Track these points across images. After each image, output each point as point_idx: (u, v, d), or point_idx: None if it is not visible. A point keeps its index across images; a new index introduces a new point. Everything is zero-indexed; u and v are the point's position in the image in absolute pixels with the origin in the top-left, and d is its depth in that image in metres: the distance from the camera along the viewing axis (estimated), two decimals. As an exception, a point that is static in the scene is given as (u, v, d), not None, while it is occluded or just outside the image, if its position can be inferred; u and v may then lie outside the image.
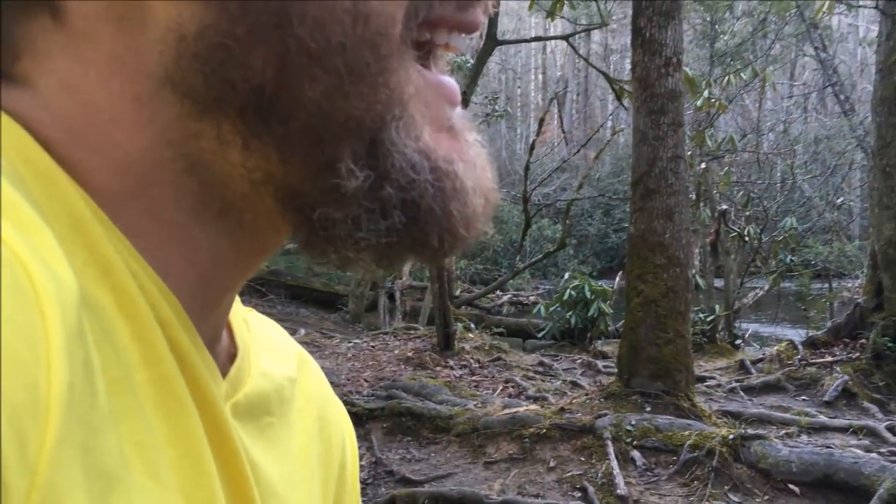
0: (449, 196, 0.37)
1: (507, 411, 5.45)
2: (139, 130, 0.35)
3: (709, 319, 9.99)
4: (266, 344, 0.53)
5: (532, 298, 15.74)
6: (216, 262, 0.39)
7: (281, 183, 0.36)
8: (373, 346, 8.40)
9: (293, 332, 9.39)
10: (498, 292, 15.72)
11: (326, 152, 0.35)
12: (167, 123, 0.35)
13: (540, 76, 37.47)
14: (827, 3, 7.94)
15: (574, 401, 5.86)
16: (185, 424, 0.35)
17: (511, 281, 15.72)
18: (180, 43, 0.33)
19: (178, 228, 0.37)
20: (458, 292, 15.02)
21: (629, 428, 5.02)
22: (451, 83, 0.40)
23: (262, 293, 13.06)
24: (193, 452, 0.35)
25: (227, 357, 0.46)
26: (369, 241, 0.37)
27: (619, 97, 8.67)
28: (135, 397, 0.32)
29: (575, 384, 7.41)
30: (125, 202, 0.35)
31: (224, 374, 0.43)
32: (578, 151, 17.22)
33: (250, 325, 0.53)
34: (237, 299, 0.51)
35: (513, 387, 7.00)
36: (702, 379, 7.55)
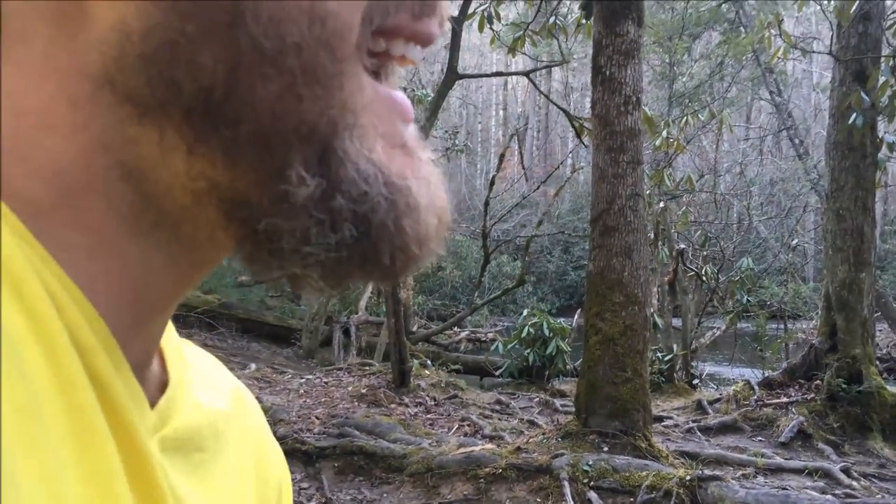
0: (402, 212, 0.36)
1: (462, 450, 5.39)
2: (72, 135, 0.33)
3: (666, 359, 10.05)
4: (201, 376, 0.51)
5: (490, 335, 15.71)
6: (149, 277, 0.37)
7: (226, 192, 0.35)
8: (326, 383, 8.30)
9: (243, 367, 9.25)
10: (456, 329, 15.68)
11: (277, 158, 0.34)
12: (105, 128, 0.33)
13: (501, 112, 37.82)
14: (782, 48, 8.13)
15: (531, 440, 5.82)
16: (101, 459, 0.32)
17: (469, 317, 15.69)
18: (124, 42, 0.32)
19: (108, 240, 0.35)
20: (415, 328, 14.96)
21: (586, 468, 4.99)
22: (404, 99, 0.39)
23: (212, 326, 12.85)
24: (108, 490, 0.32)
25: (157, 386, 0.44)
26: (317, 255, 0.35)
27: (578, 134, 8.76)
28: (43, 428, 0.29)
29: (532, 423, 7.38)
30: (51, 212, 0.34)
31: (153, 403, 0.41)
32: (538, 188, 17.33)
33: (185, 355, 0.51)
34: (171, 327, 0.49)
35: (469, 425, 6.94)
36: (659, 419, 7.57)
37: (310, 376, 8.77)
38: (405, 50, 0.39)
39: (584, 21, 8.26)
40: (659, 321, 11.04)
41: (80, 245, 0.34)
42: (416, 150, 0.39)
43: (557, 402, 8.62)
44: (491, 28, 8.73)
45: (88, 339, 0.33)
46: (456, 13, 7.76)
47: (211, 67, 0.32)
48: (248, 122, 0.33)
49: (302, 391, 7.88)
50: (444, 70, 8.04)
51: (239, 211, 0.35)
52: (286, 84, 0.33)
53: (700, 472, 4.97)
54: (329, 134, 0.34)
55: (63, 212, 0.34)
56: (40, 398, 0.29)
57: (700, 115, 12.17)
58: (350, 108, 0.35)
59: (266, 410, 6.49)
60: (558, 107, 9.60)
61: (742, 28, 16.85)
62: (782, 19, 8.14)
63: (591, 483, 4.92)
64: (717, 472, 5.12)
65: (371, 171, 0.35)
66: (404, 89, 12.81)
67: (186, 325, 12.56)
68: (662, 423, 7.49)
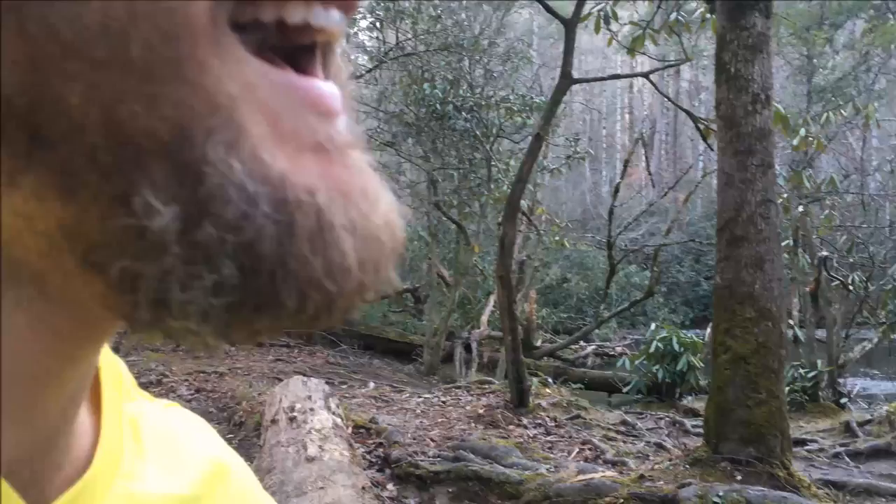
0: (304, 237, 0.29)
1: (581, 478, 5.23)
2: None
3: (810, 375, 9.61)
4: (163, 452, 0.47)
5: (618, 349, 15.50)
6: (12, 350, 0.31)
7: (74, 233, 0.28)
8: (443, 402, 8.28)
9: (363, 386, 9.35)
10: (582, 343, 15.52)
11: (116, 182, 0.27)
12: None
13: (626, 116, 37.28)
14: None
15: (656, 466, 5.60)
16: None
17: (596, 331, 15.52)
18: None
19: None
20: (539, 342, 14.86)
21: (716, 500, 4.74)
22: (315, 86, 0.31)
23: (334, 343, 13.14)
24: None
25: (73, 474, 0.39)
26: (197, 304, 0.28)
27: (704, 137, 8.43)
28: None
29: (660, 446, 7.16)
30: None
31: (56, 495, 0.37)
32: (667, 194, 17.00)
33: (143, 427, 0.47)
34: (127, 389, 0.47)
35: (590, 449, 6.78)
36: (801, 442, 7.23)
37: (428, 395, 8.78)
38: (308, 15, 0.31)
39: (708, 16, 7.96)
40: (800, 334, 10.58)
41: None
42: (341, 150, 0.31)
43: (688, 423, 8.36)
44: (608, 29, 8.53)
45: None
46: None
47: (4, 68, 0.26)
48: (69, 138, 0.27)
49: (419, 411, 7.89)
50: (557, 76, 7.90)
51: (91, 255, 0.28)
52: (100, 81, 0.26)
53: (846, 505, 4.64)
54: (181, 143, 0.27)
55: None
56: None
57: (843, 111, 11.58)
58: (209, 104, 0.27)
59: (381, 432, 6.51)
60: (681, 108, 9.30)
61: (890, 14, 15.99)
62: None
63: (722, 516, 4.66)
64: (867, 505, 4.77)
65: (251, 185, 0.28)
66: (523, 96, 12.84)
67: (310, 342, 12.89)
68: (805, 448, 7.16)
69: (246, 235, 0.28)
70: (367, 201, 0.32)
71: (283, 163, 0.29)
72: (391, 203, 0.33)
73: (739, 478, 5.12)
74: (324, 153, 0.31)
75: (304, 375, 7.12)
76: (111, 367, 0.45)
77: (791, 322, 10.55)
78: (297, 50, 0.32)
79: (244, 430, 6.48)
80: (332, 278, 0.30)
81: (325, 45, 0.33)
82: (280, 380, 7.41)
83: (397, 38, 13.11)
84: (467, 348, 12.97)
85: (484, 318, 13.53)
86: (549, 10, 7.75)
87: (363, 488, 4.66)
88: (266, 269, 0.28)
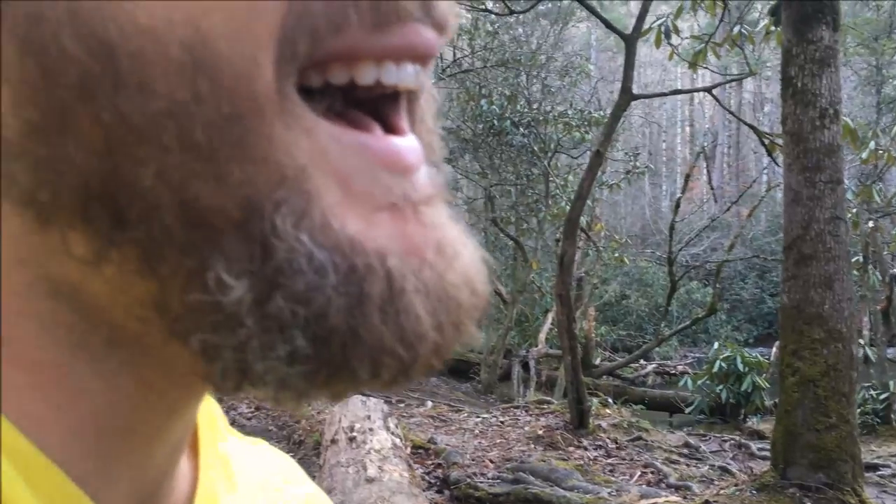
0: (374, 306, 0.29)
1: (644, 502, 5.18)
2: None
3: (882, 397, 9.39)
4: (254, 490, 0.48)
5: (680, 368, 15.31)
6: (119, 407, 0.33)
7: (156, 303, 0.29)
8: (502, 422, 8.26)
9: (421, 405, 9.38)
10: (642, 361, 15.35)
11: (191, 259, 0.28)
12: (11, 240, 0.30)
13: (687, 129, 36.85)
14: None
15: (721, 492, 5.53)
16: None
17: (656, 349, 15.33)
18: None
19: (52, 371, 0.31)
20: (598, 361, 14.75)
21: (785, 527, 4.64)
22: (390, 144, 0.31)
23: (391, 360, 13.18)
24: None
25: None
26: (275, 373, 0.29)
27: (769, 152, 8.31)
28: None
29: (724, 470, 7.04)
30: None
31: None
32: (730, 209, 16.74)
33: (235, 466, 0.47)
34: (220, 429, 0.48)
35: (652, 472, 6.69)
36: (873, 467, 7.05)
37: (486, 415, 8.77)
38: (380, 74, 0.31)
39: (773, 28, 7.85)
40: (871, 353, 10.33)
41: (19, 383, 0.30)
42: (417, 207, 0.31)
43: (754, 446, 8.20)
44: (669, 43, 8.47)
45: (22, 502, 0.29)
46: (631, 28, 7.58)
47: (82, 154, 0.27)
48: (146, 217, 0.28)
49: (477, 431, 7.89)
50: (619, 91, 7.87)
51: (175, 326, 0.29)
52: (172, 164, 0.27)
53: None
54: (250, 217, 0.28)
55: None
56: None
57: (914, 122, 11.32)
58: (276, 177, 0.28)
59: (440, 452, 6.53)
60: (745, 123, 9.18)
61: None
62: None
63: (792, 544, 4.57)
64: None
65: (321, 255, 0.28)
66: (581, 111, 12.80)
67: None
68: (877, 473, 6.99)
69: (316, 307, 0.28)
70: (443, 259, 0.31)
71: (354, 226, 0.29)
72: (472, 256, 0.33)
73: (809, 504, 5.04)
74: (397, 212, 0.31)
75: (363, 394, 7.17)
76: (206, 408, 0.46)
77: (861, 341, 10.31)
78: (381, 97, 0.32)
79: (303, 449, 6.55)
80: (406, 345, 0.30)
81: (409, 91, 0.33)
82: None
83: (454, 54, 13.18)
84: (525, 366, 12.92)
85: (542, 336, 13.47)
86: (608, 25, 7.74)
87: (423, 510, 4.68)
88: (337, 339, 0.29)
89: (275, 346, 0.29)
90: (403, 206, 0.31)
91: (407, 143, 0.32)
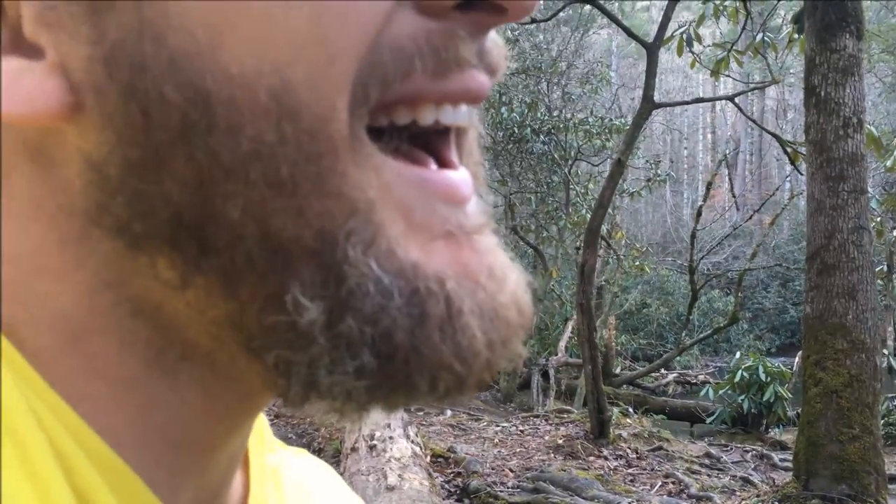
0: (434, 325, 0.32)
1: (665, 512, 5.16)
2: (68, 276, 0.33)
3: (906, 408, 9.25)
4: (300, 499, 0.50)
5: (701, 377, 15.20)
6: (188, 418, 0.36)
7: (234, 322, 0.32)
8: (521, 431, 8.26)
9: (440, 413, 9.38)
10: (663, 370, 15.27)
11: (270, 283, 0.31)
12: (101, 264, 0.33)
13: (709, 136, 36.65)
14: None
15: (743, 502, 5.51)
16: None
17: (677, 358, 15.26)
18: (94, 172, 0.31)
19: (130, 384, 0.34)
20: (618, 370, 14.70)
21: (807, 539, 4.63)
22: (446, 178, 0.35)
23: (410, 369, 13.17)
24: None
25: None
26: (342, 386, 0.32)
27: (792, 161, 8.29)
28: None
29: (746, 481, 6.99)
30: (60, 360, 0.33)
31: None
32: (752, 217, 16.63)
33: (283, 476, 0.50)
34: (263, 448, 0.49)
35: (673, 482, 6.67)
36: (897, 479, 6.93)
37: (505, 424, 8.77)
38: (439, 115, 0.34)
39: (796, 36, 7.84)
40: (895, 364, 10.23)
41: (100, 394, 0.33)
42: (470, 235, 0.34)
43: (776, 457, 8.14)
44: (691, 51, 8.47)
45: (103, 503, 0.32)
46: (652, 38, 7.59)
47: (176, 190, 0.30)
48: (230, 246, 0.31)
49: (497, 440, 7.88)
50: (640, 99, 7.88)
51: (251, 343, 0.32)
52: (258, 199, 0.30)
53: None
54: (324, 248, 0.31)
55: (73, 359, 0.33)
56: None
57: (940, 130, 11.24)
58: (349, 210, 0.31)
59: (460, 461, 6.54)
60: (767, 131, 9.15)
61: None
62: None
63: (814, 556, 4.56)
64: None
65: (387, 280, 0.31)
66: (602, 118, 12.78)
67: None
68: (902, 485, 6.84)
69: (382, 326, 0.31)
70: (495, 282, 0.34)
71: (415, 253, 0.32)
72: (518, 279, 0.36)
73: (832, 516, 5.02)
74: (453, 239, 0.34)
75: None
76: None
77: (885, 351, 10.23)
78: (434, 132, 0.35)
79: (323, 457, 6.57)
80: (462, 361, 0.32)
81: (458, 129, 0.36)
82: (358, 406, 7.49)
83: (474, 61, 13.20)
84: (545, 375, 12.87)
85: (561, 345, 13.42)
86: (630, 34, 7.75)
87: (443, 518, 4.70)
88: (401, 356, 0.31)
89: (343, 362, 0.31)
90: (458, 234, 0.34)
91: (460, 177, 0.35)
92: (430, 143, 0.35)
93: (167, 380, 0.35)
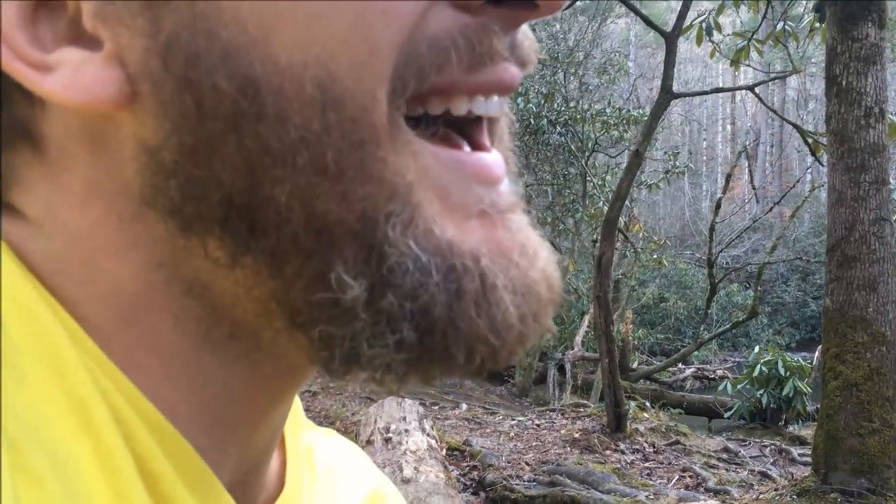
0: (470, 300, 0.34)
1: (682, 506, 5.18)
2: (124, 255, 0.35)
3: (928, 403, 9.17)
4: (329, 477, 0.52)
5: (719, 373, 15.15)
6: (234, 392, 0.38)
7: (283, 300, 0.34)
8: (538, 425, 8.28)
9: (455, 407, 9.42)
10: (680, 365, 15.23)
11: (315, 263, 0.33)
12: (154, 244, 0.35)
13: (728, 127, 36.44)
14: None
15: (762, 496, 5.51)
16: None
17: (695, 353, 15.21)
18: (150, 157, 0.33)
19: (182, 359, 0.36)
20: (635, 365, 14.67)
21: (826, 533, 4.64)
22: (480, 159, 0.37)
23: (425, 362, 13.18)
24: None
25: (269, 497, 0.45)
26: (382, 358, 0.34)
27: (813, 151, 8.26)
28: None
29: (764, 475, 6.98)
30: (118, 335, 0.35)
31: None
32: (772, 209, 16.57)
33: (314, 454, 0.52)
34: (298, 425, 0.52)
35: (691, 476, 6.67)
36: (918, 474, 6.90)
37: (521, 418, 8.79)
38: (471, 106, 0.36)
39: (817, 25, 7.80)
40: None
41: (154, 366, 0.36)
42: (504, 214, 0.37)
43: (795, 451, 8.12)
44: (710, 40, 8.44)
45: (160, 468, 0.33)
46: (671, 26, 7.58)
47: (227, 175, 0.32)
48: (277, 228, 0.33)
49: (513, 434, 7.90)
50: (658, 89, 7.87)
51: (297, 318, 0.34)
52: (302, 184, 0.32)
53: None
54: (366, 229, 0.33)
55: (130, 333, 0.35)
56: None
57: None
58: (389, 193, 0.33)
59: (475, 454, 6.57)
60: (788, 121, 9.11)
61: None
62: None
63: (833, 550, 4.56)
64: None
65: (425, 258, 0.33)
66: (620, 109, 12.73)
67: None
68: (922, 480, 6.82)
69: (421, 302, 0.33)
70: (526, 258, 0.36)
71: (451, 231, 0.34)
72: (548, 256, 0.38)
73: (851, 510, 5.02)
74: (487, 218, 0.36)
75: (399, 395, 7.23)
76: None
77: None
78: (467, 121, 0.37)
79: (338, 449, 6.62)
80: (496, 333, 0.34)
81: (490, 118, 0.38)
82: (372, 400, 7.53)
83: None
84: (561, 370, 12.88)
85: (578, 339, 13.42)
86: (648, 23, 7.73)
87: (459, 511, 4.73)
88: (439, 329, 0.33)
89: (384, 336, 0.33)
90: (492, 213, 0.36)
91: (493, 158, 0.37)
92: (463, 129, 0.37)
93: (216, 356, 0.37)
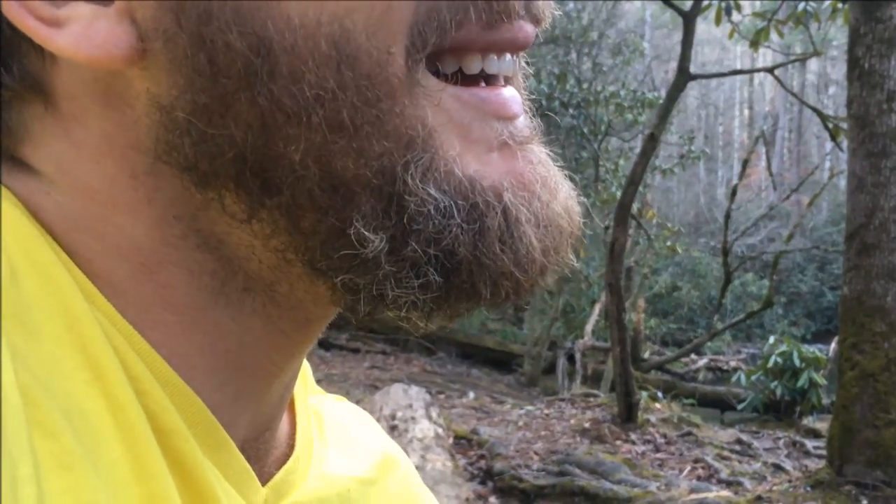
0: (494, 237, 0.35)
1: (693, 496, 5.23)
2: (139, 209, 0.36)
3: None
4: (341, 440, 0.53)
5: (733, 364, 15.12)
6: (249, 346, 0.39)
7: (301, 252, 0.36)
8: (547, 414, 8.30)
9: (462, 396, 9.46)
10: (693, 356, 15.21)
11: (332, 218, 0.34)
12: (170, 199, 0.35)
13: (746, 111, 36.26)
14: None
15: (774, 488, 5.54)
16: None
17: (708, 343, 15.18)
18: (163, 114, 0.34)
19: (196, 313, 0.37)
20: (646, 355, 14.66)
21: (840, 525, 4.67)
22: (497, 95, 0.38)
23: (431, 351, 13.23)
24: None
25: (281, 455, 0.46)
26: (408, 298, 0.35)
27: (833, 137, 8.25)
28: None
29: (777, 467, 7.00)
30: (133, 289, 0.36)
31: (271, 476, 0.43)
32: (789, 197, 16.46)
33: (324, 417, 0.53)
34: (308, 388, 0.53)
35: (703, 468, 6.69)
36: (936, 468, 6.92)
37: (530, 407, 8.81)
38: (484, 64, 0.37)
39: (840, 5, 7.78)
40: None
41: (168, 321, 0.36)
42: (524, 146, 0.38)
43: (809, 444, 8.12)
44: (729, 20, 8.43)
45: (172, 423, 0.34)
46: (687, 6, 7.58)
47: (240, 132, 0.33)
48: (293, 184, 0.34)
49: (521, 423, 7.92)
50: (675, 71, 7.87)
51: (317, 265, 0.36)
52: (319, 141, 0.33)
53: None
54: (384, 180, 0.34)
55: (145, 288, 0.36)
56: (119, 487, 0.31)
57: None
58: (407, 143, 0.34)
59: (483, 443, 6.60)
60: (808, 105, 9.10)
61: None
62: None
63: (847, 542, 4.60)
64: None
65: (446, 201, 0.34)
66: (634, 92, 12.65)
67: (406, 349, 13.03)
68: (940, 474, 6.83)
69: (445, 244, 0.34)
70: (548, 191, 0.37)
71: (473, 166, 0.35)
72: (569, 190, 0.39)
73: (865, 502, 5.03)
74: (507, 150, 0.37)
75: (404, 383, 7.27)
76: None
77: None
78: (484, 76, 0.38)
79: (343, 436, 6.65)
80: (521, 267, 0.36)
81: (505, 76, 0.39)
82: (377, 387, 7.58)
83: (501, 31, 13.11)
84: (570, 359, 12.88)
85: (588, 328, 13.42)
86: (665, 1, 7.72)
87: (466, 500, 4.78)
88: (465, 268, 0.35)
89: (409, 280, 0.35)
90: (512, 144, 0.37)
91: (510, 93, 0.39)
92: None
93: (231, 309, 0.38)
